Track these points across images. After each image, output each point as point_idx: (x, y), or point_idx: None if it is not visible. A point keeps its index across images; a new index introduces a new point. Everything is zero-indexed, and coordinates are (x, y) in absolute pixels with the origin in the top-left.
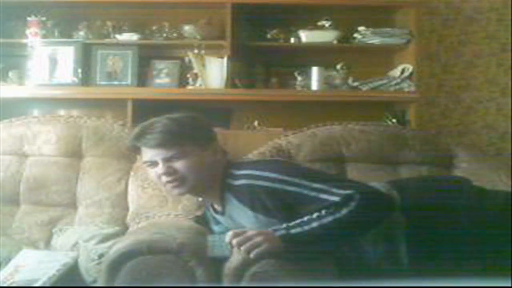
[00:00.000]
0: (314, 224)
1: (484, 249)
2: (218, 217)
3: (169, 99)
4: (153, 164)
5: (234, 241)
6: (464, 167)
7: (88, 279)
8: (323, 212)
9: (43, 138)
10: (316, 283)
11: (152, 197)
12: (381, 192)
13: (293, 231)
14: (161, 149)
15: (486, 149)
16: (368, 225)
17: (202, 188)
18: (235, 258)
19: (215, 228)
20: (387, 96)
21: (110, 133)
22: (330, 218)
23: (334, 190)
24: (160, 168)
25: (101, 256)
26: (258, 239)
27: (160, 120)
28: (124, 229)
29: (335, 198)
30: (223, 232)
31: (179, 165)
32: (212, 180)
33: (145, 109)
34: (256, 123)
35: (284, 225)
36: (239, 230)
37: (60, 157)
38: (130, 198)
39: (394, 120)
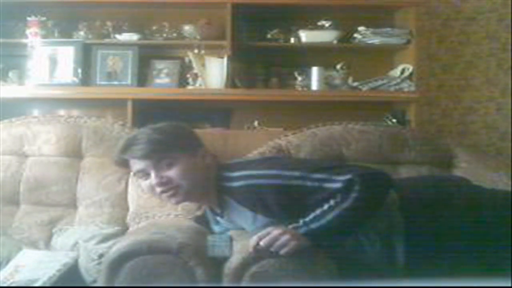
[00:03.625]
0: (329, 216)
1: (484, 249)
2: (217, 217)
3: (169, 99)
4: (145, 175)
5: (262, 243)
6: (464, 167)
7: (88, 279)
8: (332, 202)
9: (43, 138)
10: (316, 283)
11: (152, 197)
12: (377, 170)
13: (312, 226)
14: (150, 159)
15: (486, 149)
16: (377, 203)
17: (198, 194)
18: (235, 258)
19: (215, 228)
20: (387, 96)
21: (110, 133)
22: (341, 207)
23: (334, 177)
24: (153, 179)
25: (101, 256)
26: (285, 237)
27: (143, 131)
28: (124, 229)
29: (338, 185)
30: (223, 232)
31: (171, 173)
32: (206, 185)
33: (145, 109)
34: (256, 123)
35: (301, 222)
36: (263, 232)
37: (60, 157)
38: (130, 198)
39: (394, 120)
